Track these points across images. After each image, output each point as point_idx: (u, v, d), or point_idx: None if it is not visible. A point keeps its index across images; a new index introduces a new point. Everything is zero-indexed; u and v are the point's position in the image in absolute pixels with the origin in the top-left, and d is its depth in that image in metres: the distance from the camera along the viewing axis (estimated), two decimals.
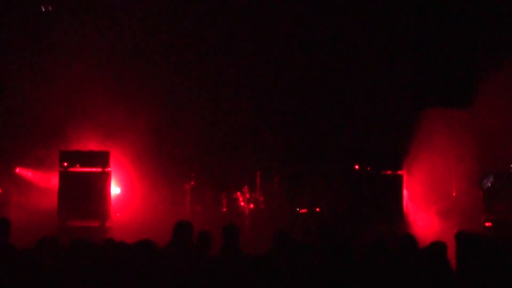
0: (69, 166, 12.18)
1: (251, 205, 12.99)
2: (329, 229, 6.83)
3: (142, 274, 5.99)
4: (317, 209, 12.99)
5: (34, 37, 13.33)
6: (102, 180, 12.22)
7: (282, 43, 13.57)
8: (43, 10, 13.37)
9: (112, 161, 12.39)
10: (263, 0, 13.58)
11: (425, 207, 12.75)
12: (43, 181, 13.06)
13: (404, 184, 12.67)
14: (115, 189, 12.78)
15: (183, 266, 6.31)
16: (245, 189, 13.04)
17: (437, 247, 6.26)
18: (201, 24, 13.57)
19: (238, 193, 13.07)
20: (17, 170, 13.23)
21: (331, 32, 13.45)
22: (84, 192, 12.10)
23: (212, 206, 13.00)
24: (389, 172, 12.61)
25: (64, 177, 12.15)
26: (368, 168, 12.66)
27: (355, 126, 13.49)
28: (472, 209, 12.15)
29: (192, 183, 13.07)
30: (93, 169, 12.24)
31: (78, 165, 12.22)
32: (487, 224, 11.27)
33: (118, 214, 12.60)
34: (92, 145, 12.76)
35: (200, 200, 13.01)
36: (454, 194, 12.96)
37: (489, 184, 11.68)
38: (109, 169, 12.29)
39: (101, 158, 12.28)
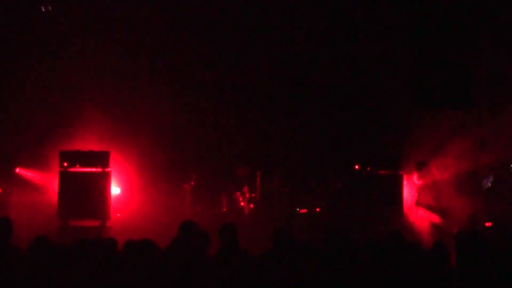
0: (69, 166, 12.19)
1: (251, 205, 13.00)
2: (333, 235, 6.81)
3: (142, 274, 6.00)
4: (317, 209, 12.99)
5: (34, 37, 13.33)
6: (102, 180, 12.23)
7: (281, 42, 13.57)
8: (43, 10, 13.37)
9: (112, 161, 12.40)
10: (264, 1, 13.59)
11: (425, 207, 12.77)
12: (43, 181, 13.06)
13: (404, 184, 12.68)
14: (115, 189, 12.79)
15: (183, 266, 6.32)
16: (245, 189, 13.05)
17: (439, 248, 6.27)
18: (201, 24, 13.58)
19: (238, 193, 13.07)
20: (17, 170, 13.23)
21: (331, 31, 13.45)
22: (84, 192, 12.11)
23: (212, 206, 12.99)
24: (389, 172, 12.63)
25: (64, 177, 12.16)
26: (368, 168, 12.68)
27: (355, 126, 13.49)
28: (472, 209, 12.17)
29: (192, 183, 13.08)
30: (93, 169, 12.26)
31: (78, 165, 12.23)
32: (487, 224, 11.28)
33: (118, 214, 12.61)
34: (92, 145, 12.77)
35: (200, 200, 13.01)
36: (454, 194, 12.97)
37: (489, 184, 11.69)
38: (109, 169, 12.30)
39: (101, 158, 12.29)
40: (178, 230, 7.02)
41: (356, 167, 12.79)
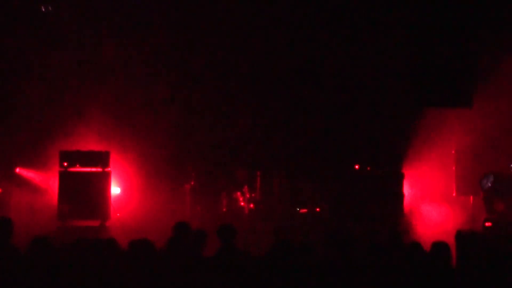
0: (69, 166, 12.20)
1: (251, 205, 13.00)
2: (334, 235, 6.80)
3: (140, 274, 5.99)
4: (317, 209, 12.99)
5: (34, 37, 13.33)
6: (102, 180, 12.24)
7: (281, 42, 13.57)
8: (43, 10, 13.37)
9: (112, 161, 12.41)
10: (264, 1, 13.59)
11: (425, 207, 12.77)
12: (43, 181, 13.06)
13: (404, 184, 12.67)
14: (115, 189, 12.79)
15: (180, 266, 6.31)
16: (245, 189, 13.04)
17: (440, 247, 6.27)
18: (201, 24, 13.57)
19: (238, 193, 13.07)
20: (17, 170, 13.23)
21: (331, 30, 13.45)
22: (84, 192, 12.11)
23: (212, 206, 12.98)
24: (388, 172, 12.62)
25: (64, 177, 12.16)
26: (368, 168, 12.67)
27: (355, 126, 13.49)
28: (472, 209, 12.16)
29: (192, 183, 13.07)
30: (93, 169, 12.26)
31: (78, 165, 12.23)
32: (487, 224, 11.26)
33: (118, 214, 12.61)
34: (92, 145, 12.77)
35: (200, 200, 13.00)
36: (454, 194, 12.97)
37: (489, 184, 11.68)
38: (109, 169, 12.31)
39: (101, 158, 12.29)
40: (173, 231, 7.02)
41: (356, 167, 12.78)
